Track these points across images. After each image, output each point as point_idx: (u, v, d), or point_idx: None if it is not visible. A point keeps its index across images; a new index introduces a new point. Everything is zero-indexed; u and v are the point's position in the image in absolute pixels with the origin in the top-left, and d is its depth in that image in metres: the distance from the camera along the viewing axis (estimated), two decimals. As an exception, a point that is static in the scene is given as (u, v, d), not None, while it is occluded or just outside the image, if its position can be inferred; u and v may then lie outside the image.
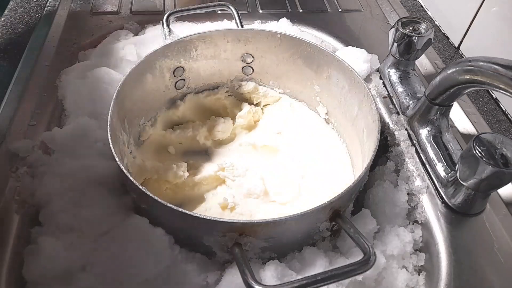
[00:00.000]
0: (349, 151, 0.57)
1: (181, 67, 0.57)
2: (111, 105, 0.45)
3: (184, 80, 0.59)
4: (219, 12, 0.76)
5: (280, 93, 0.63)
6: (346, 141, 0.57)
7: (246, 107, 0.62)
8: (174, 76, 0.57)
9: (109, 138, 0.42)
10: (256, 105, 0.64)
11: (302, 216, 0.38)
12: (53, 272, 0.40)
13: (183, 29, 0.69)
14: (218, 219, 0.37)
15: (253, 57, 0.60)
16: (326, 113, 0.60)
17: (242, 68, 0.61)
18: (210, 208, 0.50)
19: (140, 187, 0.39)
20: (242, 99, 0.64)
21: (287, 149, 0.58)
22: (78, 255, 0.41)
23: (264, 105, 0.64)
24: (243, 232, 0.38)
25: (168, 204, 0.38)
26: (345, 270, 0.36)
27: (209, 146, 0.59)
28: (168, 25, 0.61)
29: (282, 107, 0.63)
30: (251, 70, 0.62)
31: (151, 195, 0.38)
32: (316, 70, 0.58)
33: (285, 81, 0.62)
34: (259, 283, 0.35)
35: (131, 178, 0.39)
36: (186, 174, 0.52)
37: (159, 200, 0.38)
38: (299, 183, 0.54)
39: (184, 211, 0.38)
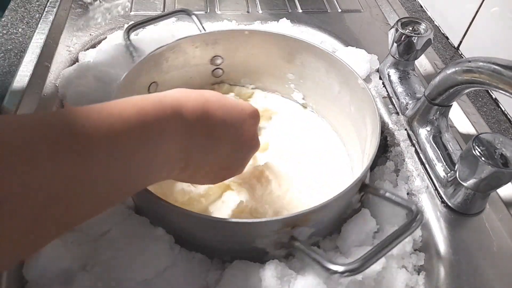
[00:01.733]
0: (348, 152, 0.57)
1: (154, 82, 0.55)
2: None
3: None
4: (219, 12, 0.76)
5: (252, 88, 0.63)
6: (345, 139, 0.58)
7: None
8: (149, 92, 0.55)
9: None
10: None
11: (345, 194, 0.40)
12: (54, 271, 0.40)
13: (183, 29, 0.69)
14: (273, 219, 0.37)
15: (222, 58, 0.59)
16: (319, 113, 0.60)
17: (212, 71, 0.60)
18: (228, 215, 0.49)
19: (171, 202, 0.38)
20: None
21: (276, 142, 0.58)
22: (79, 255, 0.41)
23: None
24: (296, 224, 0.39)
25: (218, 217, 0.38)
26: (400, 233, 0.37)
27: None
28: (129, 38, 0.58)
29: (256, 102, 0.63)
30: (221, 71, 0.61)
31: (193, 212, 0.38)
32: (288, 60, 0.58)
33: (258, 76, 0.62)
34: (337, 264, 0.35)
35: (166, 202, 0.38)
36: (193, 187, 0.50)
37: (202, 215, 0.39)
38: (301, 173, 0.55)
39: (238, 220, 0.38)
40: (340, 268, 0.34)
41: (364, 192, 0.44)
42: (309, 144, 0.58)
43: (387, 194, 0.42)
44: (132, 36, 0.62)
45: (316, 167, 0.55)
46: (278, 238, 0.40)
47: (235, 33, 0.57)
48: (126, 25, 0.70)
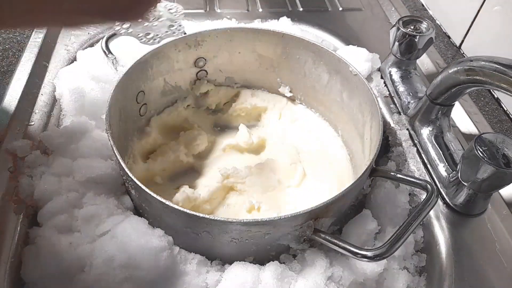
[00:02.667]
0: (344, 138, 0.57)
1: (141, 91, 0.53)
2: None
3: (146, 104, 0.55)
4: (218, 11, 0.75)
5: (237, 87, 0.63)
6: (338, 126, 0.58)
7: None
8: (138, 102, 0.53)
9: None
10: (216, 106, 0.62)
11: (360, 181, 0.40)
12: (52, 273, 0.39)
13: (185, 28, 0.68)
14: (298, 212, 0.37)
15: (205, 59, 0.58)
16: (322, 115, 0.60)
17: (196, 73, 0.59)
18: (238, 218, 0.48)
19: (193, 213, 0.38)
20: (199, 106, 0.62)
21: (270, 138, 0.58)
22: (77, 256, 0.40)
23: (225, 103, 0.63)
24: (318, 216, 0.39)
25: (248, 219, 0.38)
26: (419, 213, 0.38)
27: (192, 162, 0.56)
28: (109, 49, 0.54)
29: (243, 100, 0.62)
30: (205, 73, 0.60)
31: (221, 218, 0.37)
32: (273, 54, 0.58)
33: (243, 74, 0.62)
34: (366, 249, 0.36)
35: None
36: (198, 194, 0.49)
37: (241, 220, 0.38)
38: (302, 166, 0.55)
39: (265, 218, 0.37)
40: (369, 253, 0.36)
41: (373, 177, 0.45)
42: (302, 136, 0.58)
43: (399, 175, 0.42)
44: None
45: (313, 157, 0.56)
46: (301, 232, 0.39)
47: (218, 32, 0.56)
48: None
